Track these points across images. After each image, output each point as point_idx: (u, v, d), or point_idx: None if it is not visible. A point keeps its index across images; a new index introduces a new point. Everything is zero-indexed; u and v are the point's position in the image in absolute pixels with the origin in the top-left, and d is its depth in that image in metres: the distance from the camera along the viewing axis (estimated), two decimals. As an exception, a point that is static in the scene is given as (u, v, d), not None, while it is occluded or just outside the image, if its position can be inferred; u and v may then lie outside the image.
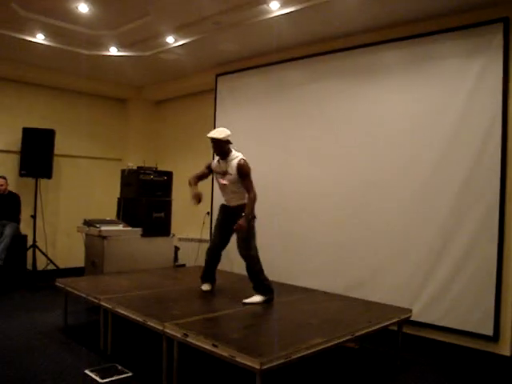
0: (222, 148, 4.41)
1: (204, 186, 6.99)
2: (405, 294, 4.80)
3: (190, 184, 4.59)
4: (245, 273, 4.52)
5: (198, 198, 4.52)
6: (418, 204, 4.80)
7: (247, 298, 4.37)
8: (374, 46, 5.18)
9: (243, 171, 4.34)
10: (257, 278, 4.44)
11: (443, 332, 4.61)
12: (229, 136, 4.41)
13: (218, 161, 4.52)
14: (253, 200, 4.35)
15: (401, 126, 4.96)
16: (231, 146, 4.47)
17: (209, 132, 4.47)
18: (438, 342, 4.66)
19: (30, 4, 5.03)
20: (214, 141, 4.39)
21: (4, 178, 6.95)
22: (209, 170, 4.70)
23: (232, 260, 5.69)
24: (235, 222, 4.33)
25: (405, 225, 4.88)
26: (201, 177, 4.71)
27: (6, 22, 5.47)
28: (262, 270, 4.46)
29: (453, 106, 4.60)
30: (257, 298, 4.38)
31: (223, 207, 4.68)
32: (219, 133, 4.39)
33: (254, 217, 4.44)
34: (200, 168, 4.76)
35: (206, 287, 4.79)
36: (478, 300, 4.38)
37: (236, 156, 4.42)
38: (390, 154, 5.02)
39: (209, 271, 4.81)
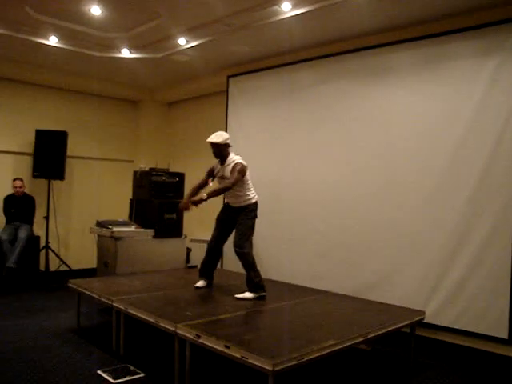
0: (221, 152, 4.58)
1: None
2: (417, 296, 4.76)
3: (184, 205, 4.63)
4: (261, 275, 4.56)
5: (183, 208, 4.58)
6: (430, 205, 4.76)
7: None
8: (386, 47, 5.16)
9: (234, 169, 4.45)
10: (248, 275, 4.53)
11: (457, 334, 4.57)
12: (227, 139, 4.56)
13: (218, 164, 4.68)
14: (223, 188, 4.45)
15: (414, 127, 4.93)
16: (230, 150, 4.62)
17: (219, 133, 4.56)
18: (451, 344, 4.62)
19: (44, 7, 5.07)
20: (213, 145, 4.54)
21: (21, 180, 7.02)
22: (209, 176, 4.78)
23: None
24: (236, 220, 4.59)
25: (417, 226, 4.85)
26: (198, 188, 4.76)
27: (19, 24, 5.52)
28: (254, 268, 4.53)
29: (466, 106, 4.56)
30: (248, 295, 4.49)
31: (226, 205, 4.82)
32: (217, 137, 4.54)
33: (255, 216, 4.63)
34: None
35: (199, 283, 4.88)
36: (492, 302, 4.34)
37: (233, 160, 4.55)
38: (403, 155, 4.99)
39: (206, 266, 4.89)
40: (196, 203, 4.33)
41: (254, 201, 4.65)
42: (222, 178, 4.61)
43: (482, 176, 4.43)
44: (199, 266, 4.98)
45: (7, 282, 6.49)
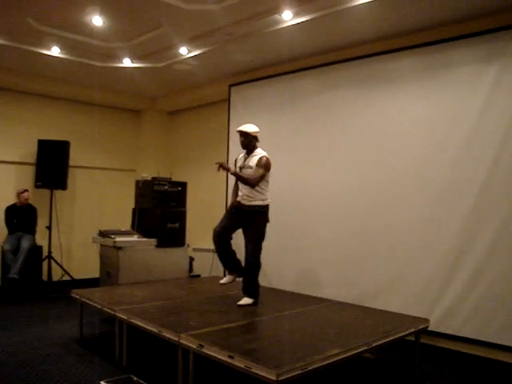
0: (248, 142, 4.58)
1: (219, 193, 7.03)
2: (422, 304, 4.74)
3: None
4: (264, 284, 4.56)
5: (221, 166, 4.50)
6: (434, 212, 4.75)
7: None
8: (387, 55, 5.17)
9: (260, 162, 4.46)
10: (253, 282, 4.60)
11: (462, 342, 4.55)
12: (257, 133, 4.58)
13: (244, 156, 4.65)
14: (249, 180, 4.43)
15: (415, 134, 4.93)
16: (258, 145, 4.62)
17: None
18: (456, 352, 4.60)
19: (46, 18, 5.11)
20: (242, 134, 4.57)
21: (28, 191, 7.03)
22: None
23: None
24: (245, 220, 4.52)
25: (421, 233, 4.83)
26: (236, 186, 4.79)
27: (22, 35, 5.55)
28: (257, 276, 4.62)
29: (468, 113, 4.56)
30: (249, 300, 4.54)
31: (235, 203, 4.67)
32: (248, 127, 4.57)
33: (266, 220, 4.57)
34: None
35: (224, 279, 4.85)
36: (497, 309, 4.32)
37: (260, 152, 4.56)
38: (405, 162, 4.98)
39: (226, 261, 4.78)
40: (223, 167, 4.43)
41: (266, 203, 4.55)
42: (245, 167, 4.56)
43: (485, 182, 4.42)
44: (221, 263, 4.89)
45: (10, 291, 6.48)
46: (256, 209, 4.50)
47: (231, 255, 4.75)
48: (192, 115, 8.50)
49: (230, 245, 4.71)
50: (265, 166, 4.45)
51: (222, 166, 4.41)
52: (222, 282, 4.83)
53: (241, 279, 4.72)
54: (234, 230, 4.69)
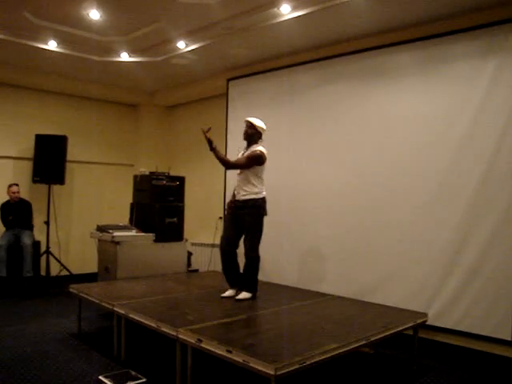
0: (251, 134, 4.63)
1: (217, 191, 7.03)
2: (420, 298, 4.74)
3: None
4: (263, 278, 4.54)
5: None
6: (432, 207, 4.74)
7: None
8: (386, 48, 5.15)
9: (252, 153, 4.52)
10: (253, 277, 4.63)
11: (460, 336, 4.55)
12: (263, 130, 4.64)
13: (244, 149, 4.69)
14: (225, 160, 4.58)
15: (414, 128, 4.92)
16: (260, 142, 4.64)
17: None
18: (454, 346, 4.60)
19: (43, 12, 5.08)
20: (249, 125, 4.62)
21: (17, 185, 6.98)
22: None
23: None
24: (242, 215, 4.54)
25: (419, 228, 4.83)
26: None
27: (18, 29, 5.52)
28: (258, 270, 4.65)
29: (467, 107, 4.55)
30: (247, 295, 4.57)
31: (231, 204, 4.71)
32: (257, 121, 4.64)
33: (264, 213, 4.60)
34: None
35: (226, 293, 4.68)
36: (495, 304, 4.32)
37: (258, 147, 4.58)
38: (403, 157, 4.97)
39: (229, 274, 4.74)
40: (206, 132, 4.47)
41: (260, 196, 4.54)
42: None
43: (485, 176, 4.41)
44: (224, 275, 4.79)
45: (6, 287, 6.49)
46: (250, 202, 4.51)
47: (236, 269, 4.73)
48: (190, 110, 8.47)
49: (235, 257, 4.71)
50: (253, 158, 4.48)
51: (207, 133, 4.46)
52: (224, 295, 4.68)
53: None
54: (238, 237, 4.67)
